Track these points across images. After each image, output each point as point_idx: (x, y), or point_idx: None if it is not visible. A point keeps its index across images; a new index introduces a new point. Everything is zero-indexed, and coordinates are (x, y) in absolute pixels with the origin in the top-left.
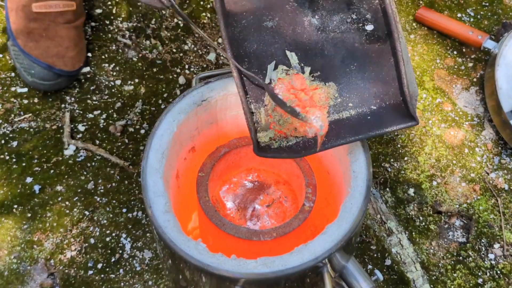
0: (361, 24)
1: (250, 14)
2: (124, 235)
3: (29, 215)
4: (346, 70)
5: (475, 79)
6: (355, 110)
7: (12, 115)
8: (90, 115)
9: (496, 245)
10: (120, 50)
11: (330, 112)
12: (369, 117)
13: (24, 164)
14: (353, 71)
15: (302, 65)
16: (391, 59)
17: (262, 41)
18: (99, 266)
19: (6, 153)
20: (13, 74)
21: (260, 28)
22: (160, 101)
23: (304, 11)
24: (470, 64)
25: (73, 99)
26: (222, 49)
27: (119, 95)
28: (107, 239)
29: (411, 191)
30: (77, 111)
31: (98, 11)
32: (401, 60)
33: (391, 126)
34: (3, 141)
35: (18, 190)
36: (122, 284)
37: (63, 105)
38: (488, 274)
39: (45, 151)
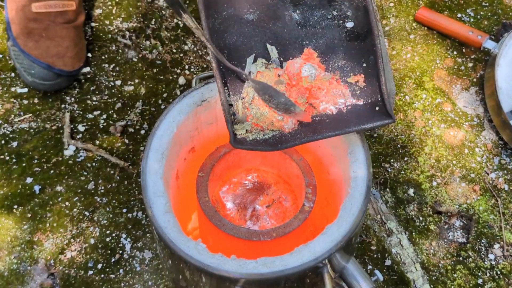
0: (341, 21)
1: (231, 6)
2: (124, 235)
3: (29, 215)
4: (325, 66)
5: (475, 79)
6: (333, 106)
7: (12, 116)
8: (90, 116)
9: (496, 246)
10: (120, 51)
11: (309, 107)
12: (347, 114)
13: (24, 164)
14: (332, 68)
15: (281, 59)
16: (370, 57)
17: (243, 34)
18: (99, 266)
19: (6, 154)
20: (13, 75)
21: (241, 20)
22: (160, 102)
23: (286, 6)
24: (470, 64)
25: (73, 99)
26: (205, 39)
27: (119, 95)
28: (107, 239)
29: (411, 191)
30: (77, 111)
31: (98, 11)
32: (379, 57)
33: (369, 123)
34: (3, 142)
35: (18, 191)
36: (122, 284)
37: (63, 106)
38: (488, 274)
39: (45, 152)
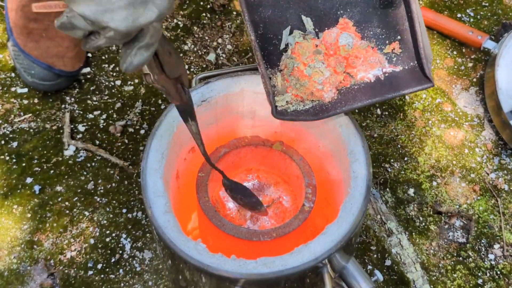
0: None
1: None
2: (124, 236)
3: (29, 215)
4: (361, 35)
5: (475, 80)
6: (371, 74)
7: (12, 116)
8: (90, 116)
9: (496, 246)
10: (120, 51)
11: (347, 76)
12: (385, 81)
13: (24, 164)
14: (367, 36)
15: (317, 30)
16: (406, 23)
17: (277, 7)
18: (99, 266)
19: (6, 154)
20: (13, 75)
21: None
22: (160, 102)
23: None
24: (470, 65)
25: (73, 99)
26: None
27: (119, 95)
28: (107, 239)
29: (411, 191)
30: (77, 111)
31: None
32: (417, 22)
33: (408, 88)
34: (3, 142)
35: (18, 190)
36: (122, 284)
37: (63, 106)
38: (488, 274)
39: (45, 152)
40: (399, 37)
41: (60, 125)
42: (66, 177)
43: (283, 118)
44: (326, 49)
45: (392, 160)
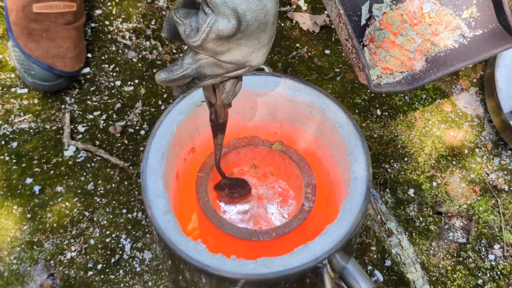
0: None
1: None
2: (124, 236)
3: (29, 215)
4: (439, 2)
5: (475, 80)
6: (453, 40)
7: (12, 116)
8: (90, 116)
9: (496, 246)
10: (120, 51)
11: (434, 43)
12: (469, 45)
13: (24, 165)
14: (444, 3)
15: (395, 2)
16: None
17: None
18: (99, 267)
19: (6, 154)
20: (13, 75)
21: None
22: (160, 102)
23: None
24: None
25: (73, 100)
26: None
27: (119, 96)
28: (107, 240)
29: (411, 191)
30: (77, 112)
31: (98, 12)
32: None
33: (496, 48)
34: (3, 142)
35: (18, 191)
36: (122, 285)
37: (63, 106)
38: (488, 275)
39: (45, 152)
40: (475, 1)
41: (60, 126)
42: (66, 177)
43: (380, 90)
44: (409, 18)
45: (392, 161)
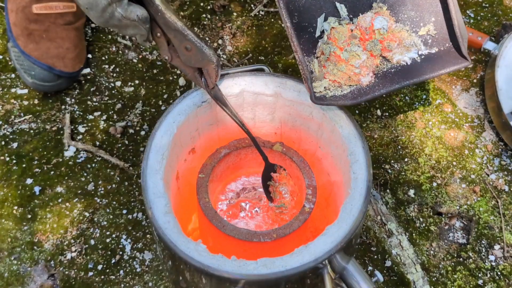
0: None
1: None
2: (124, 236)
3: (29, 216)
4: (395, 18)
5: (475, 80)
6: (407, 57)
7: (13, 117)
8: (90, 117)
9: (497, 247)
10: (120, 52)
11: (383, 59)
12: (421, 62)
13: (24, 165)
14: (401, 20)
15: (351, 16)
16: (439, 5)
17: None
18: (99, 267)
19: (6, 154)
20: (13, 76)
21: None
22: (160, 103)
23: None
24: (470, 66)
25: (73, 100)
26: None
27: (119, 96)
28: (107, 240)
29: (412, 192)
30: (77, 112)
31: None
32: (450, 2)
33: (445, 68)
34: (3, 142)
35: (18, 191)
36: (122, 285)
37: (63, 107)
38: (488, 275)
39: (45, 152)
40: (433, 19)
41: (60, 126)
42: (66, 178)
43: (322, 103)
44: (361, 33)
45: (392, 161)
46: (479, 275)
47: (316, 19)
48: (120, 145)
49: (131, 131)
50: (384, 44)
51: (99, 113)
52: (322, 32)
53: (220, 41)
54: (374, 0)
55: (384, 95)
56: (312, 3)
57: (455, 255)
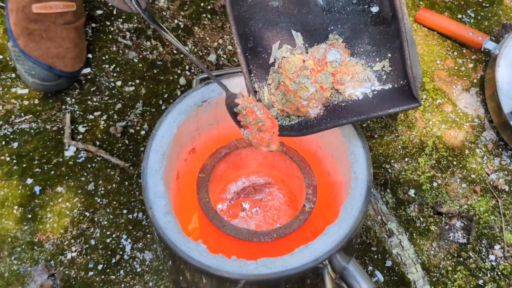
0: (366, 6)
1: None
2: (124, 236)
3: (30, 216)
4: (350, 51)
5: (475, 80)
6: (359, 91)
7: (13, 116)
8: (91, 116)
9: (497, 246)
10: (121, 51)
11: (335, 91)
12: (373, 99)
13: (24, 165)
14: (357, 53)
15: (307, 45)
16: (396, 41)
17: (268, 21)
18: (100, 267)
19: (7, 154)
20: (13, 75)
21: (266, 7)
22: (160, 102)
23: None
24: (471, 65)
25: (73, 100)
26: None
27: (120, 96)
28: (108, 240)
29: (412, 192)
30: (77, 112)
31: (99, 12)
32: (405, 41)
33: (395, 107)
34: (3, 142)
35: (19, 191)
36: (122, 285)
37: (63, 106)
38: (488, 275)
39: (45, 152)
40: (389, 55)
41: (60, 126)
42: (66, 178)
43: None
44: (314, 64)
45: (392, 161)
46: (480, 275)
47: (271, 45)
48: (120, 145)
49: (131, 131)
50: (336, 77)
51: (99, 113)
52: (276, 59)
53: (220, 41)
54: (331, 31)
55: (326, 130)
56: (269, 28)
57: (456, 255)
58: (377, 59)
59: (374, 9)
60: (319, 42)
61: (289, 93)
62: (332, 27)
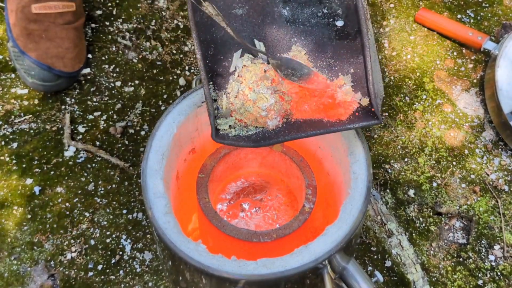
0: (331, 19)
1: (220, 0)
2: (124, 237)
3: (29, 216)
4: (312, 64)
5: (475, 80)
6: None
7: (13, 117)
8: (90, 117)
9: (496, 247)
10: (120, 52)
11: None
12: None
13: (24, 165)
14: (319, 66)
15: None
16: (359, 57)
17: (231, 28)
18: (99, 267)
19: (6, 154)
20: (13, 76)
21: (229, 15)
22: (160, 103)
23: (275, 2)
24: (470, 65)
25: (73, 100)
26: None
27: (119, 96)
28: (107, 240)
29: (411, 192)
30: (77, 112)
31: (98, 12)
32: (368, 57)
33: (354, 123)
34: (3, 142)
35: (18, 191)
36: (122, 285)
37: (63, 107)
38: (488, 275)
39: (45, 153)
40: (352, 70)
41: (60, 126)
42: (66, 178)
43: (223, 142)
44: (275, 75)
45: (392, 161)
46: (479, 275)
47: (232, 53)
48: (120, 145)
49: (131, 131)
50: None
51: (99, 113)
52: (236, 68)
53: None
54: (294, 42)
55: (283, 142)
56: (231, 36)
57: (455, 255)
58: (339, 74)
59: (339, 23)
60: (282, 53)
61: (248, 103)
62: (295, 39)
